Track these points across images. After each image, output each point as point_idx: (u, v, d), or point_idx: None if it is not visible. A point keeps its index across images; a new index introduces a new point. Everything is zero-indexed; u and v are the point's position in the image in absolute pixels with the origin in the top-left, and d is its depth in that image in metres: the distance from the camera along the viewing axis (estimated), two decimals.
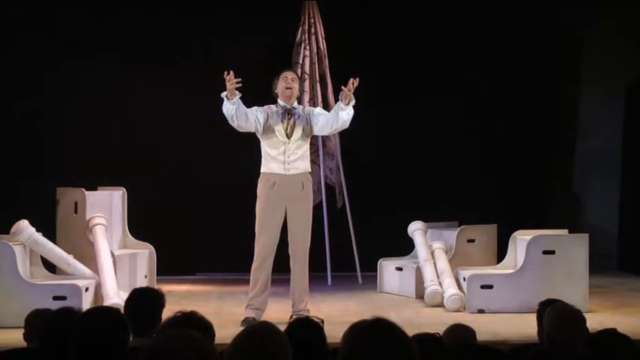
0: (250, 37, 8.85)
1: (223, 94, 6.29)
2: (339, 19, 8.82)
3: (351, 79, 6.33)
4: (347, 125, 6.51)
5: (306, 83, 8.53)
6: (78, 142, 8.83)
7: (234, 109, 6.30)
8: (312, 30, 8.64)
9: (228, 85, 6.23)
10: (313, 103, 8.36)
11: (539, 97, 9.34)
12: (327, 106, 8.21)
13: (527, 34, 9.24)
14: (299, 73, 8.31)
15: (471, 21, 9.22)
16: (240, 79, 6.23)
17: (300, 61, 8.56)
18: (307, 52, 8.60)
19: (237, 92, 6.29)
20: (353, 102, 6.39)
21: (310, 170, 6.65)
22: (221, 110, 6.40)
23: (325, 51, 8.69)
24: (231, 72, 6.22)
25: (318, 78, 8.63)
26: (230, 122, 6.40)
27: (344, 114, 6.41)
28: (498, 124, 9.25)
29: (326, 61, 8.68)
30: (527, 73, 9.24)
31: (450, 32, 9.18)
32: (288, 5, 8.76)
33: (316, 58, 8.63)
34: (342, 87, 6.36)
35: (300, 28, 8.63)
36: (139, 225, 8.09)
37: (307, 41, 8.60)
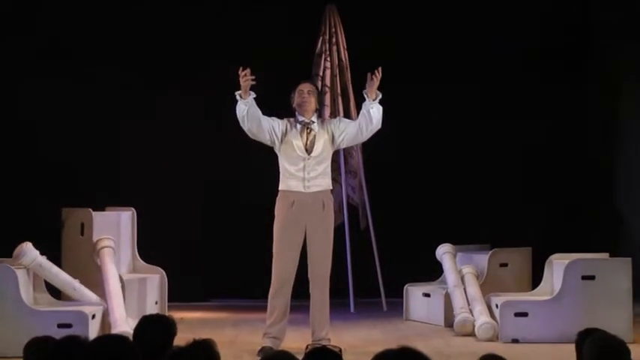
0: (266, 48, 8.88)
1: (237, 93, 6.29)
2: (360, 26, 8.88)
3: (376, 70, 6.29)
4: (380, 125, 6.45)
5: (327, 96, 8.55)
6: (85, 159, 8.89)
7: (245, 110, 6.27)
8: (334, 40, 8.68)
9: (242, 81, 6.21)
10: (334, 116, 8.33)
11: (580, 110, 9.29)
12: None
13: (566, 48, 9.21)
14: (319, 86, 8.34)
15: (505, 28, 9.22)
16: (254, 77, 6.21)
17: (321, 73, 8.61)
18: (328, 64, 8.64)
19: (251, 92, 6.28)
20: (379, 96, 6.37)
21: (331, 188, 6.64)
22: (237, 121, 6.37)
23: (347, 62, 8.73)
24: (247, 68, 6.20)
25: (339, 91, 8.67)
26: (241, 124, 6.36)
27: (374, 111, 6.37)
28: (532, 140, 9.24)
29: (348, 73, 8.72)
30: (567, 89, 9.21)
31: (482, 41, 9.19)
32: (308, 14, 8.81)
33: (337, 70, 8.68)
34: (369, 74, 6.29)
35: (321, 38, 8.68)
36: (149, 248, 8.11)
37: (328, 52, 8.65)
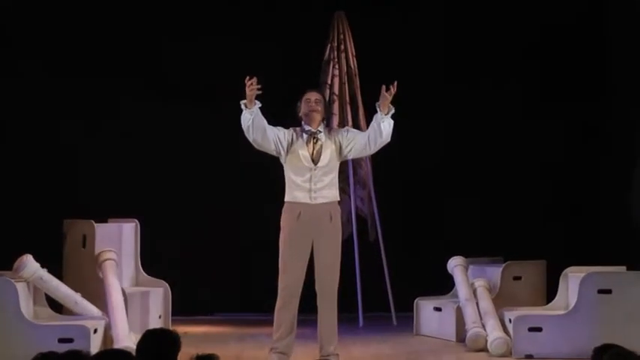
0: (272, 56, 8.90)
1: (242, 102, 6.27)
2: (369, 32, 8.89)
3: (391, 85, 6.27)
4: (389, 139, 6.43)
5: (335, 105, 8.55)
6: (86, 169, 8.88)
7: (251, 120, 6.26)
8: (342, 47, 8.68)
9: (247, 91, 6.20)
10: (342, 125, 8.36)
11: (595, 125, 9.28)
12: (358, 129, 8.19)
13: (583, 64, 9.19)
14: (327, 94, 8.33)
15: (517, 35, 9.22)
16: (260, 86, 6.19)
17: (329, 81, 8.60)
18: (336, 72, 8.64)
19: (257, 102, 6.26)
20: (392, 111, 6.35)
21: (339, 199, 6.61)
22: (244, 136, 6.36)
23: (356, 69, 8.73)
24: (254, 77, 6.18)
25: (348, 99, 8.66)
26: (246, 135, 6.35)
27: (385, 125, 6.34)
28: (548, 152, 9.23)
29: (357, 81, 8.71)
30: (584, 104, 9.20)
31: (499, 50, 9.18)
32: (315, 20, 8.82)
33: (346, 78, 8.67)
34: (384, 88, 6.26)
35: (329, 45, 8.68)
36: (152, 260, 8.13)
37: (336, 59, 8.65)
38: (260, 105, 6.28)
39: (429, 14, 9.20)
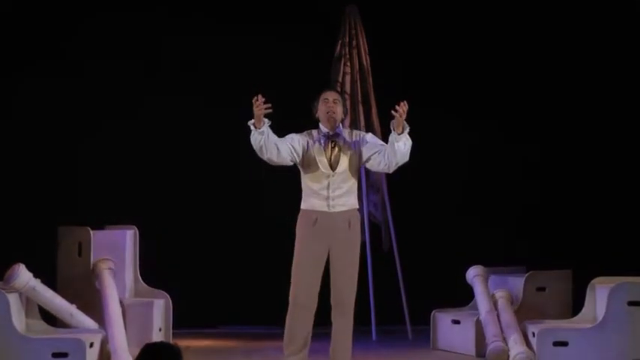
0: (279, 52, 8.91)
1: (250, 123, 6.22)
2: (383, 27, 8.89)
3: (400, 103, 6.19)
4: (407, 158, 6.36)
5: (347, 104, 8.47)
6: (82, 173, 8.88)
7: (262, 140, 6.21)
8: (354, 43, 8.67)
9: (255, 110, 6.14)
10: (355, 126, 8.37)
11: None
12: (371, 131, 8.19)
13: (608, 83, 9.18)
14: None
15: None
16: (270, 105, 6.13)
17: (340, 79, 8.59)
18: (348, 69, 8.63)
19: (265, 120, 6.20)
20: (407, 129, 6.26)
21: (358, 207, 6.53)
22: (249, 140, 6.30)
23: (369, 67, 8.71)
24: (260, 96, 6.11)
25: (360, 98, 8.64)
26: (259, 155, 6.32)
27: (400, 145, 6.25)
28: (570, 151, 9.23)
29: (370, 79, 8.69)
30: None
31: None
32: (325, 14, 8.81)
33: (358, 76, 8.65)
34: (393, 112, 6.22)
35: (340, 41, 8.67)
36: (152, 270, 8.11)
37: (348, 56, 8.63)
38: (270, 123, 6.21)
39: (447, 7, 9.17)
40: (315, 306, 6.36)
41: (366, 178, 8.63)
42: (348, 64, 8.61)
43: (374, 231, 8.72)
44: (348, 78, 8.60)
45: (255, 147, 6.26)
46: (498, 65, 9.19)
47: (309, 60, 8.78)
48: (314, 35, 8.89)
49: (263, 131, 6.19)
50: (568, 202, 9.17)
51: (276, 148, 6.26)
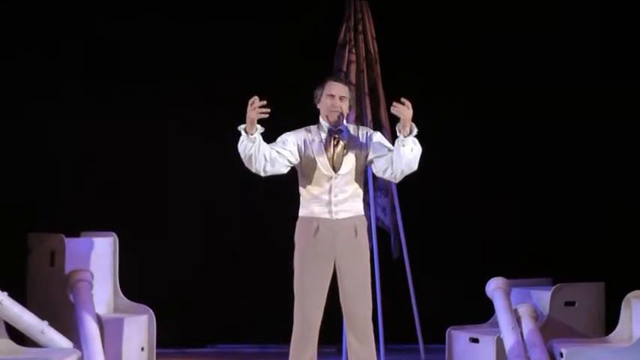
0: (279, 38, 8.94)
1: (241, 127, 6.08)
2: (393, 11, 8.90)
3: (402, 99, 6.05)
4: (415, 166, 6.24)
5: (352, 96, 8.44)
6: (57, 176, 8.82)
7: (252, 148, 6.06)
8: (360, 28, 8.66)
9: (249, 113, 5.97)
10: (361, 121, 8.37)
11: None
12: (378, 126, 8.33)
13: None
14: None
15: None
16: (269, 110, 5.97)
17: (344, 68, 8.57)
18: (353, 57, 8.62)
19: (258, 126, 6.06)
20: (415, 131, 6.14)
21: (363, 213, 6.46)
22: (236, 144, 6.20)
23: (377, 55, 8.69)
24: (256, 98, 5.96)
25: (367, 89, 8.63)
26: (246, 165, 6.17)
27: (406, 150, 6.13)
28: (599, 151, 9.19)
29: (377, 68, 8.67)
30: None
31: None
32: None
33: (365, 65, 8.63)
34: (392, 110, 6.07)
35: (344, 25, 8.65)
36: (134, 282, 8.10)
37: (353, 42, 8.62)
38: (262, 130, 6.06)
39: None
40: (319, 323, 6.28)
41: (373, 179, 8.59)
42: (354, 51, 8.60)
43: (382, 237, 8.70)
44: (353, 67, 8.58)
45: (242, 156, 6.11)
46: (526, 54, 9.18)
47: (311, 46, 8.78)
48: (316, 20, 8.88)
49: (255, 138, 6.03)
50: (599, 207, 9.14)
51: (269, 159, 6.13)
